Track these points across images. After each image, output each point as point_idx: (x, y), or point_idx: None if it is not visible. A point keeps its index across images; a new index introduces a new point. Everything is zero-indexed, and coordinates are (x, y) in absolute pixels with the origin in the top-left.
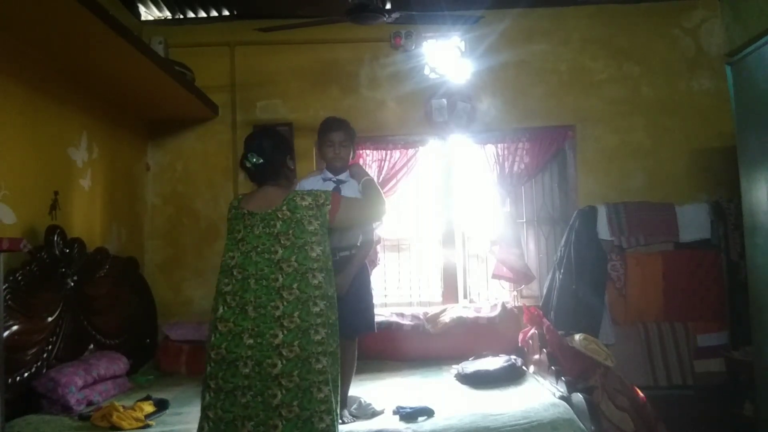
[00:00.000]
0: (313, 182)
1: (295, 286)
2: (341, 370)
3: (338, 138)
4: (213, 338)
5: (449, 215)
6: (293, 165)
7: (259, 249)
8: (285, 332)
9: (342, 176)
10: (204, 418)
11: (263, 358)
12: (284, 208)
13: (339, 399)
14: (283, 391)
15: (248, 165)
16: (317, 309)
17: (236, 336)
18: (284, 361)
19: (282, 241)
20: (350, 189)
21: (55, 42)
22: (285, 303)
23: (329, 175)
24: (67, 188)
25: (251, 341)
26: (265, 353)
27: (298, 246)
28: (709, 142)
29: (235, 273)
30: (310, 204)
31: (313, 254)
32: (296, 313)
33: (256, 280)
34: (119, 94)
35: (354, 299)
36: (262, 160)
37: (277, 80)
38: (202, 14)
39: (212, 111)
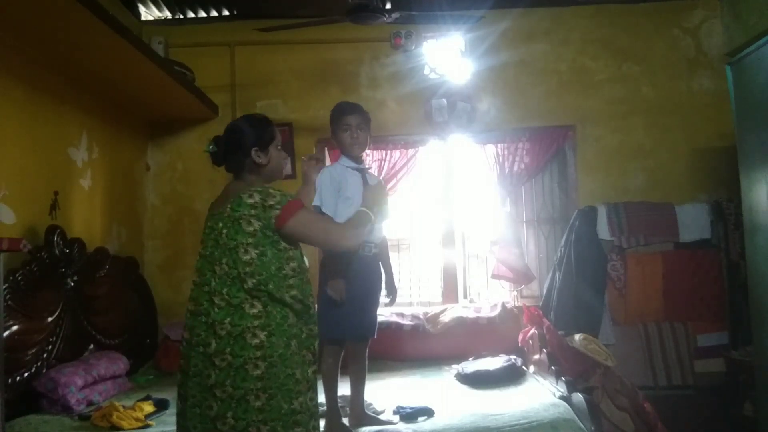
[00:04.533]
0: (340, 170)
1: (224, 291)
2: (357, 373)
3: (355, 121)
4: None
5: (449, 215)
6: (263, 159)
7: (206, 253)
8: (217, 340)
9: (363, 166)
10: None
11: (203, 369)
12: (229, 206)
13: (328, 402)
14: (218, 402)
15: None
16: (254, 311)
17: (187, 344)
18: (217, 371)
19: (219, 242)
20: (373, 179)
21: (54, 42)
22: (216, 309)
23: (350, 163)
24: (67, 188)
25: (191, 352)
26: (202, 363)
27: (230, 247)
28: (709, 142)
29: (195, 278)
30: (255, 202)
31: (246, 257)
32: (227, 320)
33: (198, 285)
34: (119, 94)
35: (374, 299)
36: (215, 149)
37: (277, 80)
38: (202, 14)
39: (212, 111)
